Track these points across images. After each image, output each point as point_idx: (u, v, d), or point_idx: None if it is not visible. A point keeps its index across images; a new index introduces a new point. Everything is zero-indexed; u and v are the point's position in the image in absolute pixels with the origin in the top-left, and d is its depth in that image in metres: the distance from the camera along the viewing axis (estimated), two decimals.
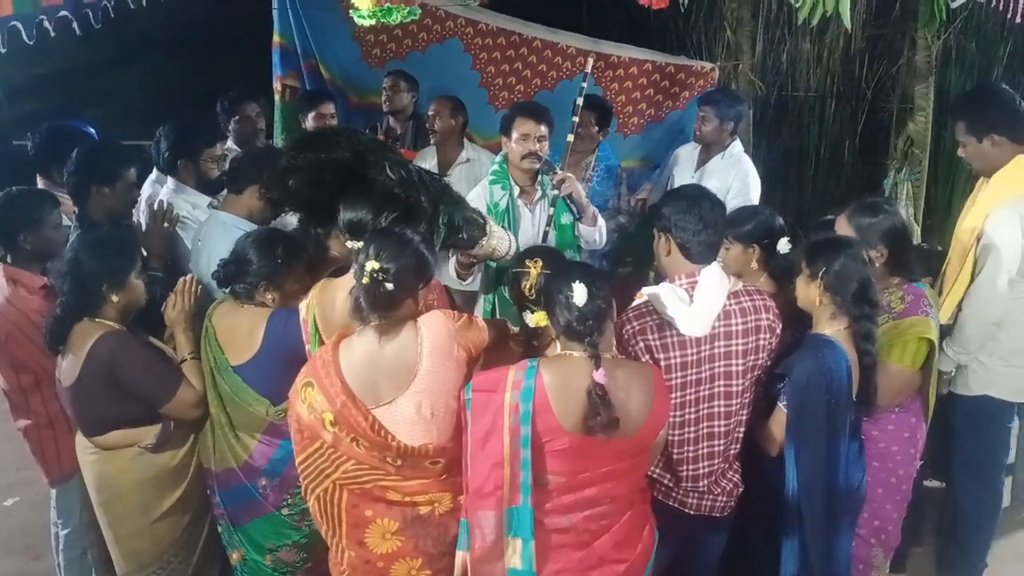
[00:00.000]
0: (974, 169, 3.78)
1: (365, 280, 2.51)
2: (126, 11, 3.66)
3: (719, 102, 4.94)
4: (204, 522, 3.30)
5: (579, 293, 2.41)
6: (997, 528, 4.05)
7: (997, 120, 3.59)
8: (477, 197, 3.95)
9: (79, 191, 3.70)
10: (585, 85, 4.27)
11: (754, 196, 4.83)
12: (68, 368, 3.02)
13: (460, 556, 2.56)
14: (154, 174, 4.41)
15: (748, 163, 4.98)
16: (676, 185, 4.98)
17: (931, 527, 4.11)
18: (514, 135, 3.94)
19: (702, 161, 5.03)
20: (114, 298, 3.02)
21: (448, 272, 3.84)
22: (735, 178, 4.83)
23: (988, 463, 3.81)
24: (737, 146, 5.00)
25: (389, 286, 2.52)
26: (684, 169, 5.12)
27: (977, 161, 3.69)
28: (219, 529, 3.24)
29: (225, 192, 3.73)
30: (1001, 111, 3.63)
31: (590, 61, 4.44)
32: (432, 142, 5.12)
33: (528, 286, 2.90)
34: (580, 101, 4.22)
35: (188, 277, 3.21)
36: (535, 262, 2.94)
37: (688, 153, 5.17)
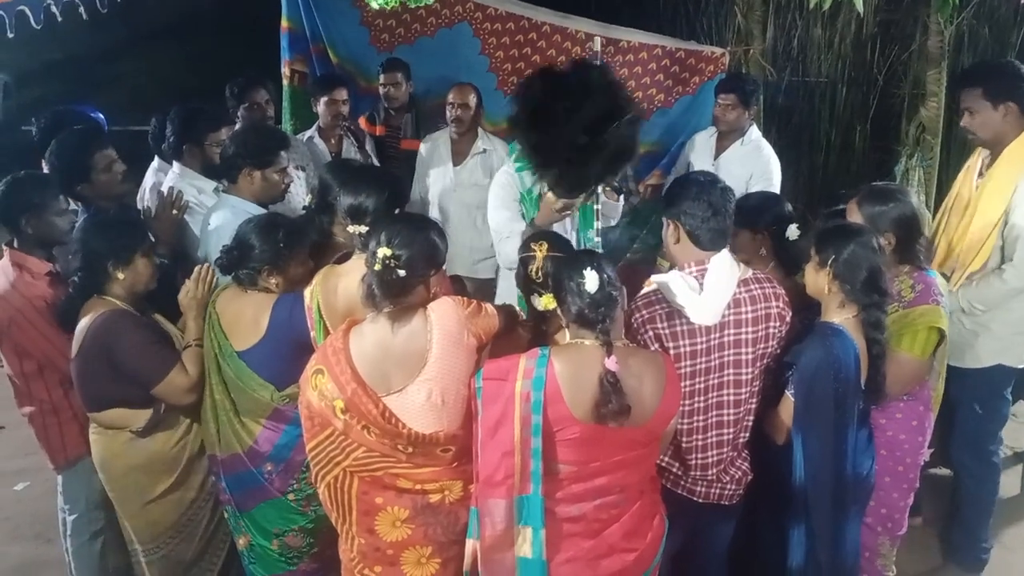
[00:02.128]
0: (977, 138, 3.75)
1: (377, 267, 2.50)
2: None
3: (742, 88, 4.94)
4: (206, 508, 3.33)
5: (591, 280, 2.40)
6: (1006, 516, 4.07)
7: (1014, 88, 3.61)
8: (505, 185, 3.94)
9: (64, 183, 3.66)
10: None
11: (776, 181, 4.83)
12: (74, 343, 3.08)
13: (470, 544, 2.57)
14: (156, 162, 4.41)
15: (768, 148, 4.98)
16: None
17: (935, 511, 4.13)
18: None
19: (721, 148, 5.03)
20: (119, 275, 3.06)
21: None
22: (757, 164, 4.82)
23: (987, 437, 3.84)
24: (755, 131, 5.00)
25: (401, 272, 2.51)
26: (702, 156, 5.13)
27: (984, 130, 3.68)
28: (225, 515, 3.26)
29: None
30: (1020, 79, 3.65)
31: (597, 40, 4.42)
32: (455, 130, 5.07)
33: (534, 270, 2.89)
34: None
35: (205, 266, 3.22)
36: (540, 245, 2.92)
37: (704, 140, 5.17)
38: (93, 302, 3.08)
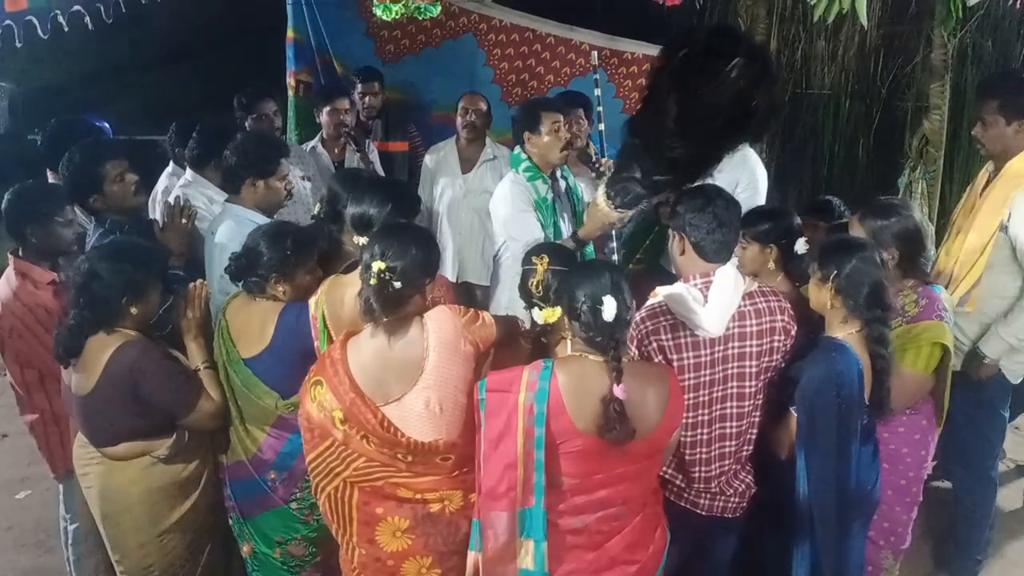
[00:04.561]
0: (986, 152, 3.76)
1: (372, 280, 2.51)
2: (138, 7, 3.67)
3: None
4: (211, 534, 3.24)
5: (609, 308, 2.36)
6: (1008, 529, 4.06)
7: None
8: (520, 194, 3.97)
9: (77, 195, 3.64)
10: (598, 78, 4.33)
11: (762, 189, 4.86)
12: (82, 378, 2.93)
13: (472, 556, 2.56)
14: (171, 166, 4.43)
15: (754, 156, 5.02)
16: None
17: (933, 523, 4.12)
18: (544, 129, 3.97)
19: None
20: (133, 310, 2.95)
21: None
22: (744, 172, 4.85)
23: (982, 452, 3.83)
24: None
25: (397, 284, 2.52)
26: None
27: (995, 144, 3.68)
28: (230, 522, 3.24)
29: None
30: None
31: (595, 55, 4.50)
32: (466, 136, 5.12)
33: (535, 283, 2.88)
34: (599, 92, 4.28)
35: (198, 283, 3.18)
36: (541, 258, 2.91)
37: None
38: (105, 336, 2.91)
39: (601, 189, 3.35)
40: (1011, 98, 3.62)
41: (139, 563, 3.12)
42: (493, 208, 4.14)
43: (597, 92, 4.34)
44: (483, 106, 5.09)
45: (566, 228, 4.05)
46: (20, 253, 3.38)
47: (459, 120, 5.08)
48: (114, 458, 3.02)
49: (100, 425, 3.00)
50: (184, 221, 3.69)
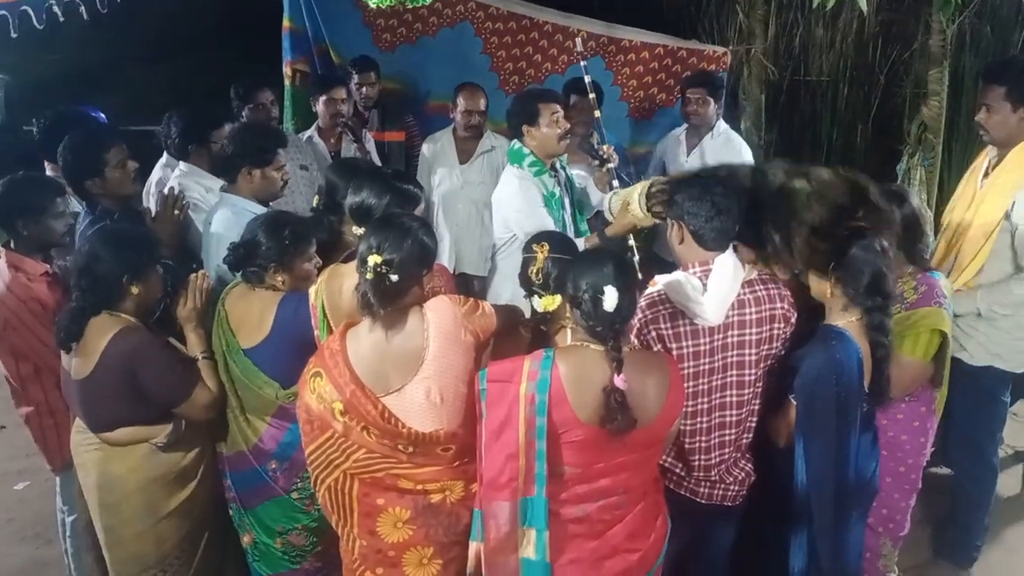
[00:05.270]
0: (990, 138, 3.70)
1: (369, 275, 2.50)
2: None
3: (711, 83, 5.11)
4: (208, 524, 3.24)
5: (610, 299, 2.35)
6: (1008, 516, 4.07)
7: None
8: (530, 189, 3.98)
9: (75, 178, 3.63)
10: (586, 64, 4.35)
11: None
12: (80, 362, 2.94)
13: (474, 547, 2.56)
14: (164, 158, 4.42)
15: (738, 138, 5.17)
16: (668, 170, 5.17)
17: (932, 509, 4.12)
18: (544, 122, 3.97)
19: (692, 144, 5.18)
20: (134, 290, 2.96)
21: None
22: (728, 155, 4.91)
23: (984, 438, 3.82)
24: (723, 124, 5.15)
25: (394, 277, 2.51)
26: (675, 153, 5.24)
27: (998, 131, 3.63)
28: (230, 512, 3.25)
29: None
30: None
31: (578, 41, 4.50)
32: (468, 136, 5.09)
33: (535, 271, 2.88)
34: (589, 79, 4.29)
35: (200, 273, 3.18)
36: (542, 246, 2.91)
37: (675, 138, 5.31)
38: (103, 319, 2.94)
39: (639, 193, 3.45)
40: (1018, 84, 3.57)
41: (135, 552, 3.12)
42: (499, 204, 4.14)
43: (587, 78, 4.34)
44: (484, 103, 5.06)
45: (568, 219, 4.07)
46: (12, 246, 3.36)
47: (460, 119, 5.04)
48: (112, 444, 3.03)
49: (97, 410, 3.01)
50: (176, 212, 3.67)
